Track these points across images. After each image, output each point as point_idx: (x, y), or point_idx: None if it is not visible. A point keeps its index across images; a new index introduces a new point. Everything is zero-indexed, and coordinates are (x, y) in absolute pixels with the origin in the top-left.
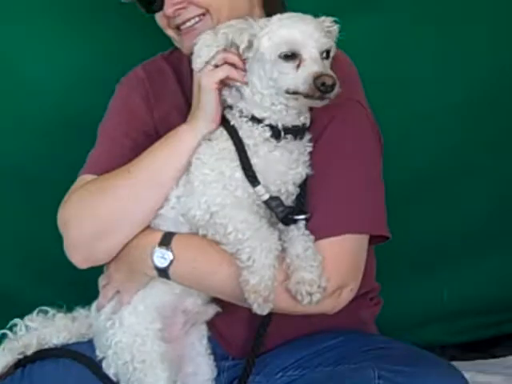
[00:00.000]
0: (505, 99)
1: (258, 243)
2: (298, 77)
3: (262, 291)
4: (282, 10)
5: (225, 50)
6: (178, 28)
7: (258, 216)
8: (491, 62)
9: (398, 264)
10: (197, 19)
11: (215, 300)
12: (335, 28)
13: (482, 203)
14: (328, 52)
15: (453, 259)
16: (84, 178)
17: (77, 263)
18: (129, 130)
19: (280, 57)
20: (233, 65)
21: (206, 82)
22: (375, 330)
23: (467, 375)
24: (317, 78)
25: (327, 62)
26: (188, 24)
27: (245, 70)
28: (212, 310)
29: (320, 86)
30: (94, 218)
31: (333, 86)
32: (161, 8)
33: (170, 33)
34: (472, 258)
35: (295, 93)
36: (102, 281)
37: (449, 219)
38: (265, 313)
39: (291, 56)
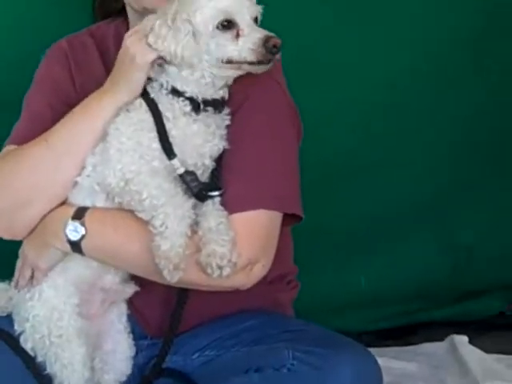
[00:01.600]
0: (425, 84)
1: (171, 210)
2: (242, 47)
3: (172, 258)
4: None
5: None
6: None
7: (173, 184)
8: (413, 50)
9: (316, 248)
10: None
11: (134, 279)
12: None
13: (398, 191)
14: (256, 19)
15: (371, 247)
16: (7, 149)
17: None
18: (51, 101)
19: (217, 28)
20: None
21: (140, 59)
22: (292, 313)
23: (381, 360)
24: (266, 41)
25: None
26: None
27: None
28: (130, 289)
29: (272, 49)
30: (12, 187)
31: (280, 47)
32: None
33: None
34: (389, 245)
35: (238, 62)
36: (18, 262)
37: (366, 206)
38: (175, 280)
39: (227, 25)
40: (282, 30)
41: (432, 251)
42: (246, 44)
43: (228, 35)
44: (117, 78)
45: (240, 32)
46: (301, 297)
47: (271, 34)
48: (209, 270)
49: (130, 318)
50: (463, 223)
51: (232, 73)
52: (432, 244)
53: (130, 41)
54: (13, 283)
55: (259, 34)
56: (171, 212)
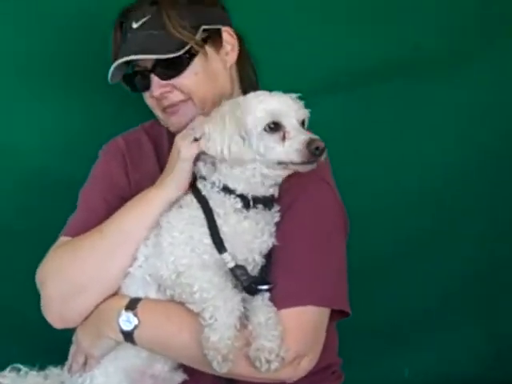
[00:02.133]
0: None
1: (221, 303)
2: (288, 149)
3: (221, 349)
4: (256, 86)
5: None
6: (164, 110)
7: (223, 278)
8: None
9: (360, 340)
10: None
11: (183, 366)
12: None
13: (442, 282)
14: (303, 122)
15: (414, 338)
16: (62, 240)
17: (52, 322)
18: (106, 196)
19: (265, 130)
20: None
21: (184, 152)
22: None
23: None
24: (309, 143)
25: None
26: (175, 104)
27: None
28: (179, 378)
29: (314, 151)
30: (67, 277)
31: (324, 150)
32: (146, 89)
33: (158, 113)
34: (433, 336)
35: (286, 163)
36: (72, 348)
37: (409, 297)
38: (223, 371)
39: (274, 128)
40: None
41: (476, 341)
42: (292, 146)
43: (275, 137)
44: (165, 173)
45: (286, 134)
46: None
47: (315, 137)
48: (257, 364)
49: None
50: (507, 312)
51: (281, 172)
52: (476, 334)
53: (178, 137)
54: (66, 368)
55: (304, 136)
56: (221, 305)
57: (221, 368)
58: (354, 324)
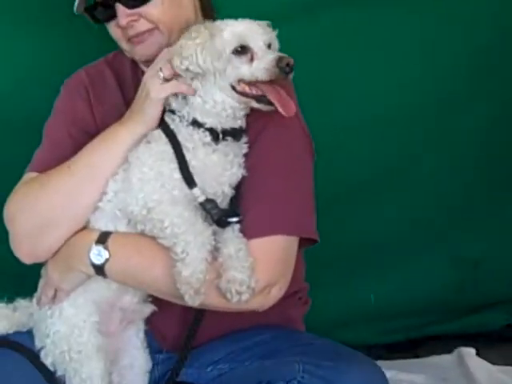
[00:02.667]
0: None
1: (192, 237)
2: (255, 67)
3: (193, 283)
4: (214, 15)
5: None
6: (129, 41)
7: (193, 212)
8: (423, 69)
9: (327, 265)
10: (149, 32)
11: (151, 298)
12: (271, 30)
13: (405, 211)
14: (270, 45)
15: (380, 263)
16: (29, 175)
17: (21, 258)
18: (71, 130)
19: (233, 53)
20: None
21: (154, 94)
22: (303, 328)
23: (390, 373)
24: (279, 61)
25: None
26: (140, 32)
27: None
28: (148, 309)
29: (285, 68)
30: (36, 213)
31: (293, 66)
32: (111, 18)
33: (123, 43)
34: (398, 262)
35: (250, 84)
36: (41, 282)
37: (375, 223)
38: (196, 304)
39: (242, 51)
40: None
41: (440, 266)
42: (260, 65)
43: (243, 59)
44: (134, 110)
45: (254, 56)
46: (312, 312)
47: (284, 55)
48: (228, 296)
49: (146, 333)
50: (470, 237)
51: (244, 101)
52: (440, 259)
53: (146, 77)
54: (35, 300)
55: (272, 55)
56: (192, 239)
57: (193, 301)
58: (321, 250)
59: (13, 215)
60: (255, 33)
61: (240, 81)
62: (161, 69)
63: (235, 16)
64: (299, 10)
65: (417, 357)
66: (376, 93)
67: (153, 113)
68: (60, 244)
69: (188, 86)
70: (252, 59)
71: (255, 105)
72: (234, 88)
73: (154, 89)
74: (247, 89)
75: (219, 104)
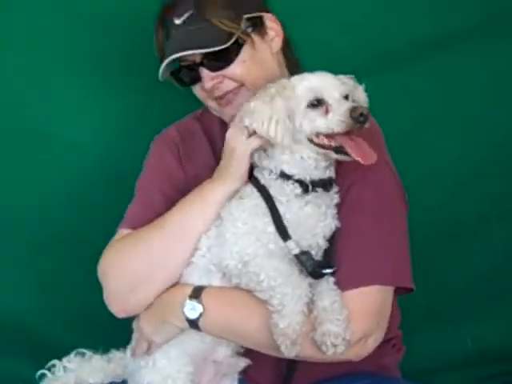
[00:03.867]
0: None
1: (289, 289)
2: (330, 120)
3: (290, 334)
4: (299, 70)
5: None
6: (218, 98)
7: (289, 265)
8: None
9: (422, 312)
10: (235, 91)
11: (244, 349)
12: (353, 82)
13: (502, 251)
14: (347, 97)
15: (477, 308)
16: (121, 232)
17: (115, 313)
18: (162, 187)
19: (308, 106)
20: None
21: (240, 150)
22: (398, 374)
23: None
24: (353, 111)
25: None
26: (228, 94)
27: None
28: (242, 363)
29: (359, 118)
30: (129, 271)
31: (368, 115)
32: (196, 82)
33: (211, 104)
34: (495, 306)
35: (327, 136)
36: (134, 334)
37: (469, 270)
38: (292, 355)
39: (317, 104)
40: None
41: None
42: (335, 117)
43: (319, 111)
44: (222, 169)
45: (329, 108)
46: (407, 359)
47: (357, 105)
48: (324, 348)
49: (240, 381)
50: None
51: (322, 153)
52: None
53: (230, 134)
54: (128, 352)
55: (346, 106)
56: (289, 292)
57: (289, 352)
58: (416, 296)
59: (106, 271)
60: (330, 84)
61: (317, 133)
62: (243, 122)
63: (321, 69)
64: (384, 63)
65: None
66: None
67: (240, 169)
68: (152, 300)
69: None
70: (327, 111)
71: (334, 156)
72: (311, 141)
73: (239, 145)
74: (326, 141)
75: (299, 156)
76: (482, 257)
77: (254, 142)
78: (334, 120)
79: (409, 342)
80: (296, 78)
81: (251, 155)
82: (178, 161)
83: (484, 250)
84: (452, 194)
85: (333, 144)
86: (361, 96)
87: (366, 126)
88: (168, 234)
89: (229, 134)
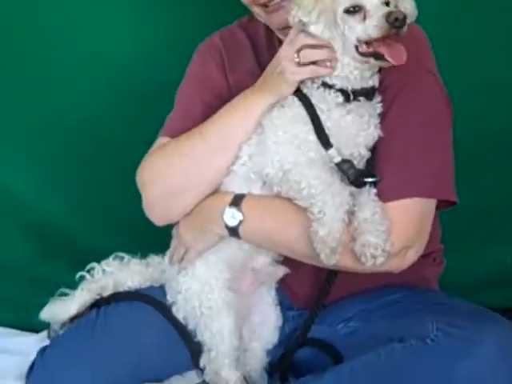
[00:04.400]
0: None
1: (329, 197)
2: (367, 26)
3: (329, 242)
4: None
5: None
6: (264, 5)
7: (330, 173)
8: None
9: (463, 228)
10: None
11: (283, 258)
12: None
13: None
14: (388, 3)
15: None
16: (161, 140)
17: (154, 221)
18: (203, 95)
19: (345, 12)
20: None
21: (289, 76)
22: (437, 288)
23: None
24: (388, 16)
25: None
26: (276, 1)
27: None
28: (281, 272)
29: (394, 22)
30: (168, 179)
31: (404, 20)
32: None
33: (256, 9)
34: None
35: (366, 43)
36: (173, 241)
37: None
38: (331, 263)
39: (355, 10)
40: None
41: None
42: (371, 22)
43: (356, 18)
44: (266, 82)
45: (367, 14)
46: (446, 274)
47: (394, 9)
48: (363, 259)
49: (277, 290)
50: None
51: (366, 66)
52: None
53: (284, 53)
54: (167, 258)
55: (382, 11)
56: (329, 199)
57: (329, 260)
58: (456, 211)
59: (145, 180)
60: None
61: (359, 41)
62: (298, 53)
63: None
64: None
65: None
66: None
67: (286, 91)
68: (191, 207)
69: (326, 69)
70: (365, 18)
71: (373, 62)
72: (356, 49)
73: (290, 71)
74: (365, 47)
75: (346, 67)
76: None
77: (304, 74)
78: (371, 26)
79: (449, 257)
80: None
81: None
82: (221, 68)
83: None
84: None
85: (371, 50)
86: (407, 4)
87: (403, 30)
88: (207, 143)
89: (281, 53)
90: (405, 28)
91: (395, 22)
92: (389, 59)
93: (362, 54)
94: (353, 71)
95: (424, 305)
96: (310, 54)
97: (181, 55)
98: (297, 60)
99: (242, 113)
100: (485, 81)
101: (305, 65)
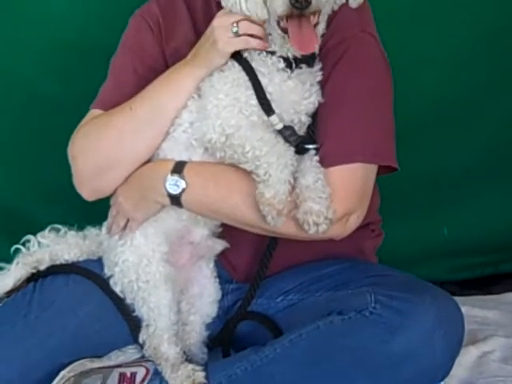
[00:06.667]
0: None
1: (274, 159)
2: (275, 1)
3: (276, 204)
4: None
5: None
6: None
7: (274, 135)
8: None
9: (401, 199)
10: None
11: (223, 233)
12: None
13: (482, 144)
14: None
15: (454, 198)
16: (93, 112)
17: (84, 196)
18: (138, 67)
19: None
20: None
21: (222, 46)
22: (375, 260)
23: (464, 309)
24: None
25: None
26: None
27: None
28: (220, 246)
29: (295, 3)
30: (97, 153)
31: (306, 1)
32: None
33: None
34: (473, 197)
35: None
36: (111, 211)
37: (450, 158)
38: (278, 225)
39: None
40: None
41: None
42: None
43: None
44: (198, 54)
45: None
46: (384, 245)
47: None
48: (305, 227)
49: (216, 263)
50: None
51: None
52: None
53: (217, 23)
54: (104, 229)
55: None
56: (274, 161)
57: (275, 222)
58: (396, 181)
59: (75, 154)
60: None
61: (279, 16)
62: (237, 23)
63: None
64: None
65: (490, 294)
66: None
67: (218, 63)
68: (121, 181)
69: (259, 42)
70: None
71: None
72: (278, 23)
73: (223, 40)
74: (284, 23)
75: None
76: (462, 146)
77: (238, 44)
78: (278, 2)
79: (387, 229)
80: None
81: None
82: (157, 39)
83: (464, 141)
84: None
85: (282, 26)
86: None
87: (309, 11)
88: (137, 117)
89: (215, 23)
90: (311, 8)
91: (296, 2)
92: (293, 44)
93: (282, 30)
94: (278, 37)
95: (363, 276)
96: (247, 26)
97: (121, 18)
98: (235, 30)
99: (171, 87)
100: (426, 53)
101: (239, 36)
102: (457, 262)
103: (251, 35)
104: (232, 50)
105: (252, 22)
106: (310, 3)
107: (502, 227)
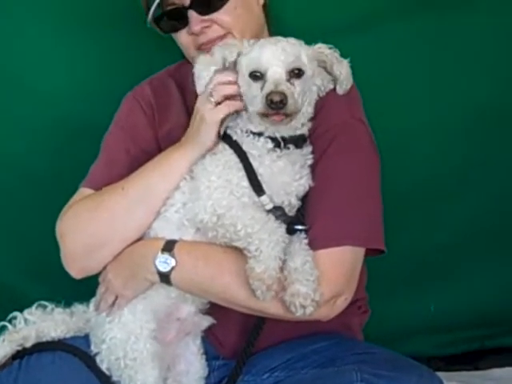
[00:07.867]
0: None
1: (266, 235)
2: (258, 98)
3: (266, 279)
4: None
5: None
6: (199, 49)
7: (265, 213)
8: (493, 75)
9: (387, 276)
10: (220, 39)
11: (210, 310)
12: (328, 52)
13: (467, 220)
14: (299, 70)
15: (441, 274)
16: (83, 191)
17: (73, 274)
18: (130, 147)
19: (250, 76)
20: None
21: (209, 118)
22: (362, 337)
23: None
24: (267, 95)
25: (298, 81)
26: (211, 44)
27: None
28: (206, 322)
29: (270, 104)
30: (87, 234)
31: (282, 102)
32: (183, 26)
33: (192, 53)
34: (460, 273)
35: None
36: (100, 288)
37: (436, 236)
38: (267, 299)
39: (259, 76)
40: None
41: (503, 276)
42: (259, 96)
43: (258, 85)
44: (190, 134)
45: (264, 85)
46: (371, 322)
47: (276, 89)
48: (292, 309)
49: (203, 339)
50: None
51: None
52: (502, 269)
53: (199, 101)
54: (92, 306)
55: (270, 87)
56: (266, 237)
57: (264, 297)
58: (382, 260)
59: (64, 233)
60: (275, 57)
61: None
62: (211, 94)
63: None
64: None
65: (477, 369)
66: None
67: (209, 136)
68: (110, 260)
69: (240, 103)
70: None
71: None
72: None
73: (208, 113)
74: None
75: (252, 117)
76: (448, 224)
77: (222, 110)
78: (258, 99)
79: (373, 306)
80: (251, 43)
81: (221, 122)
82: (150, 120)
83: (451, 217)
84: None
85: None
86: (342, 69)
87: (285, 111)
88: (129, 199)
89: (198, 102)
90: (287, 109)
91: (271, 103)
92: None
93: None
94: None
95: (349, 354)
96: (221, 89)
97: (111, 97)
98: (212, 99)
99: (163, 170)
100: (413, 130)
101: (219, 103)
102: (443, 338)
103: (228, 98)
104: (219, 117)
105: (224, 83)
106: (285, 105)
107: (488, 303)
